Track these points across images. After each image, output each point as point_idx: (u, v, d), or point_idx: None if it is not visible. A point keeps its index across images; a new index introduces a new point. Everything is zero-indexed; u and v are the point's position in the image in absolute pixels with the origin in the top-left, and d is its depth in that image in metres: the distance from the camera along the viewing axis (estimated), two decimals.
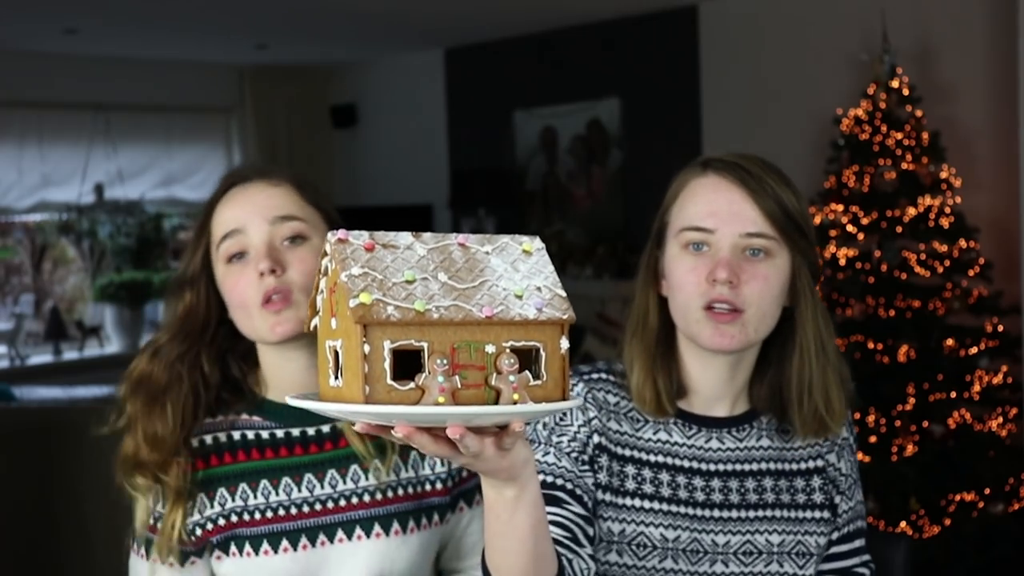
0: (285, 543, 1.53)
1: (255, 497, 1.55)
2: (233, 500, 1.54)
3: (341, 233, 1.06)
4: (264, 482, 1.55)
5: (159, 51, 6.66)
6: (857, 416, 4.21)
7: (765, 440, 1.58)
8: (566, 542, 1.42)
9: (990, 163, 4.80)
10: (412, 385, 1.01)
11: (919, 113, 4.47)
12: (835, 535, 1.61)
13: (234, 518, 1.54)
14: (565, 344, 1.07)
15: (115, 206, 6.78)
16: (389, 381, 1.00)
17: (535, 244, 1.13)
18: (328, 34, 6.44)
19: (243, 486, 1.55)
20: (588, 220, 6.52)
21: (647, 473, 1.53)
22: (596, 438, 1.52)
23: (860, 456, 4.17)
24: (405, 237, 1.07)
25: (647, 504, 1.52)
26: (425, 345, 1.01)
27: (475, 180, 6.79)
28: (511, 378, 1.03)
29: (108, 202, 6.77)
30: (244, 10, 5.62)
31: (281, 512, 1.54)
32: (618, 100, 6.30)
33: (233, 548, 1.54)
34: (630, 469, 1.52)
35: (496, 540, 1.22)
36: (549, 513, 1.42)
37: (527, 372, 1.05)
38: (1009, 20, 4.51)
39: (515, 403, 1.03)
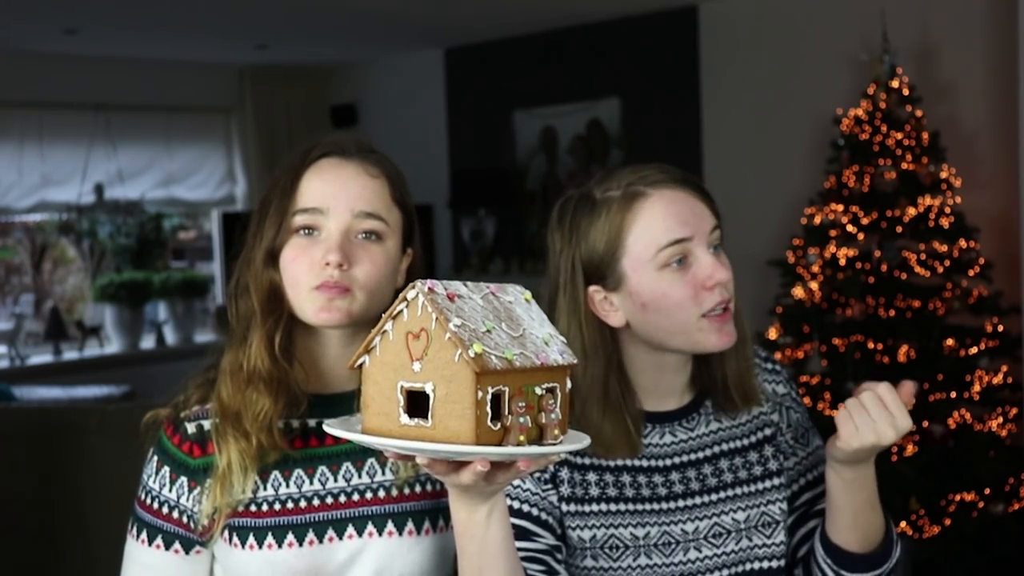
0: (291, 537, 1.46)
1: (264, 489, 1.48)
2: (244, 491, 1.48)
3: (430, 283, 1.15)
4: (276, 473, 1.48)
5: (159, 51, 6.66)
6: None
7: (714, 424, 1.60)
8: (540, 575, 1.47)
9: (990, 163, 4.80)
10: (499, 426, 1.13)
11: (919, 113, 4.47)
12: (795, 487, 1.62)
13: (240, 508, 1.47)
14: (569, 384, 1.21)
15: (115, 206, 6.78)
16: (488, 423, 1.12)
17: (527, 292, 1.27)
18: (328, 34, 6.44)
19: (254, 477, 1.47)
20: None
21: (608, 478, 1.53)
22: None
23: None
24: (458, 286, 1.18)
25: (612, 507, 1.53)
26: (506, 390, 1.13)
27: (475, 180, 6.78)
28: (552, 416, 1.16)
29: (108, 202, 6.77)
30: (244, 10, 5.62)
31: (290, 505, 1.47)
32: (618, 100, 6.30)
33: (236, 540, 1.47)
34: (591, 476, 1.53)
35: (472, 564, 1.29)
36: (520, 548, 1.45)
37: (558, 410, 1.18)
38: (1009, 20, 4.51)
39: (556, 438, 1.17)
